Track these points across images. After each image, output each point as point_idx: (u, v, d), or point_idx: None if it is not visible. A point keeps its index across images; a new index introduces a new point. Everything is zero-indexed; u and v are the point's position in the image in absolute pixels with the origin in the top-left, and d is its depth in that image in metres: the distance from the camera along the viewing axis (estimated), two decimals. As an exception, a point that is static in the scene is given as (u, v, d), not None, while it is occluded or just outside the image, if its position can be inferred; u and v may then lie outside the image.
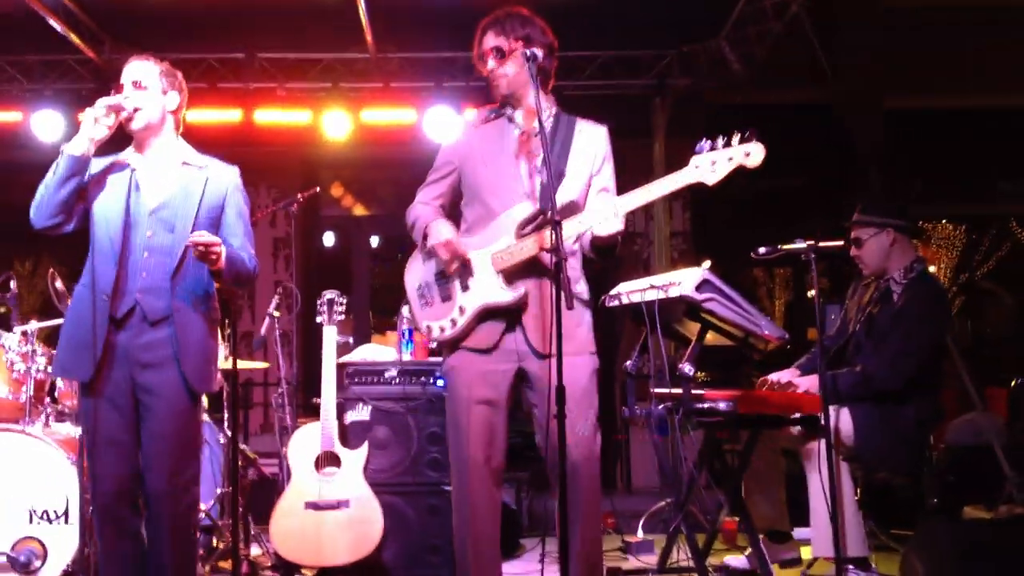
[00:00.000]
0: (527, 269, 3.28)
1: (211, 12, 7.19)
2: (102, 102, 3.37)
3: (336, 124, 7.80)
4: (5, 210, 7.93)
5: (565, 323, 3.04)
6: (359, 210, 9.56)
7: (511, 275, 3.29)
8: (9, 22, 6.88)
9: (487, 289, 3.30)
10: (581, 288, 3.41)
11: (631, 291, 4.22)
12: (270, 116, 7.93)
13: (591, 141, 3.44)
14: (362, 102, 7.85)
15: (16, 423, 4.40)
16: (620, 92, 7.84)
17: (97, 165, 3.46)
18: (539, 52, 3.31)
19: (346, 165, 8.93)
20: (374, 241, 10.09)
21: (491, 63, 3.40)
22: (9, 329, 4.75)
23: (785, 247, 4.13)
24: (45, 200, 3.36)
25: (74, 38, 7.12)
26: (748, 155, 3.02)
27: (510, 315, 3.31)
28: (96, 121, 3.35)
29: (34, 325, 4.68)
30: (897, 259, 4.35)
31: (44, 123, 7.53)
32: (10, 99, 7.79)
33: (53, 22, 6.83)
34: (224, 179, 3.54)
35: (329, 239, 9.96)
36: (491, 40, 3.41)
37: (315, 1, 7.12)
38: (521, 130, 3.42)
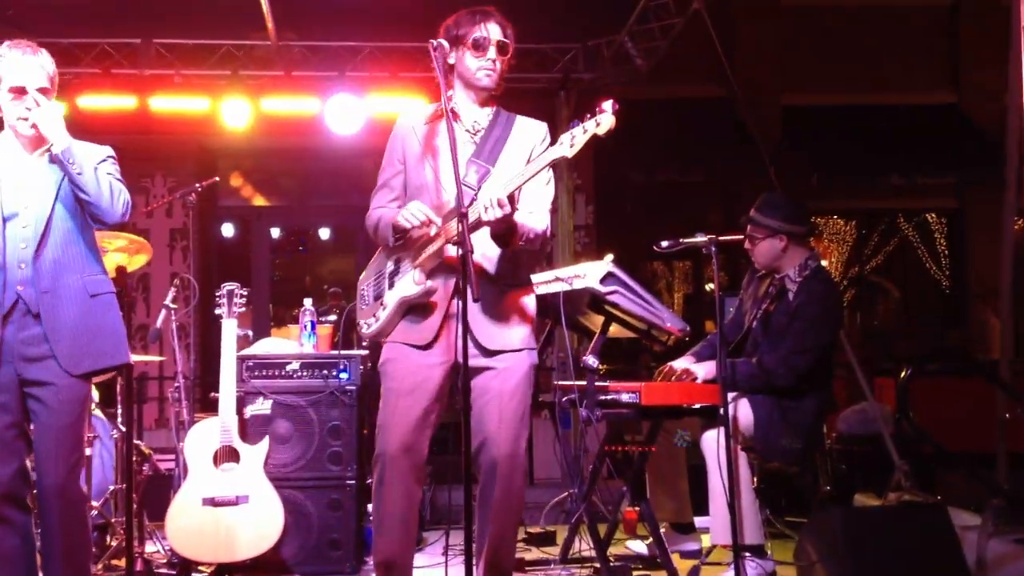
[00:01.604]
0: (442, 264, 3.31)
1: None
2: None
3: (236, 113, 7.62)
4: None
5: (509, 317, 3.24)
6: (259, 200, 9.37)
7: (428, 271, 3.32)
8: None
9: (405, 284, 3.34)
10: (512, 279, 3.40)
11: (536, 283, 4.23)
12: (167, 104, 7.70)
13: (528, 137, 3.46)
14: (263, 90, 7.70)
15: None
16: (525, 86, 7.86)
17: None
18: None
19: (246, 155, 8.76)
20: (275, 233, 9.91)
21: (491, 54, 3.37)
22: None
23: (686, 241, 4.19)
24: None
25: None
26: (599, 124, 3.06)
27: (446, 311, 3.31)
28: None
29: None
30: (790, 258, 4.43)
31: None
32: None
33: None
34: (92, 158, 3.41)
35: (228, 230, 9.73)
36: (497, 33, 3.39)
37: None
38: (467, 128, 3.43)
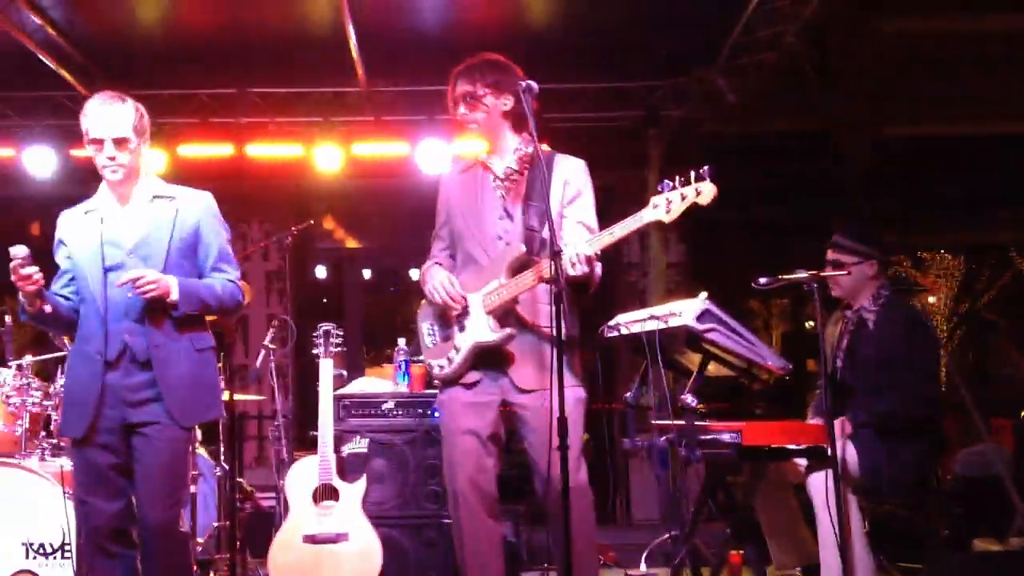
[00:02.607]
0: (511, 310, 3.47)
1: (202, 47, 7.28)
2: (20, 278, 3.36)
3: (328, 157, 7.90)
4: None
5: (543, 358, 3.32)
6: (351, 243, 9.63)
7: (499, 316, 3.47)
8: (4, 58, 6.95)
9: (478, 329, 3.49)
10: (548, 324, 3.50)
11: (630, 322, 4.28)
12: (262, 150, 8.06)
13: (566, 175, 3.58)
14: (353, 135, 7.97)
15: (12, 456, 4.42)
16: (613, 124, 7.94)
17: (65, 227, 3.56)
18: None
19: (338, 198, 9.01)
20: (366, 274, 10.15)
21: (462, 109, 3.57)
22: (3, 363, 4.80)
23: (787, 277, 4.16)
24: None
25: (65, 75, 7.20)
26: (699, 193, 3.19)
27: (496, 354, 3.48)
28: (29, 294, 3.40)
29: (28, 359, 4.73)
30: (869, 287, 4.39)
31: (36, 159, 7.63)
32: (2, 135, 7.88)
33: (44, 58, 6.91)
34: (196, 205, 3.60)
35: (321, 272, 10.02)
36: (461, 86, 3.57)
37: (306, 35, 7.22)
38: (496, 176, 3.58)
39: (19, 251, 3.31)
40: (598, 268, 3.45)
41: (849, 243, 4.42)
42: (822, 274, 4.04)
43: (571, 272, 3.27)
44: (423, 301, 3.72)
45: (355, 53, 7.03)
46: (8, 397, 4.65)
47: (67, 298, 3.54)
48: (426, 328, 3.70)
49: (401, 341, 5.19)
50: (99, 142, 3.48)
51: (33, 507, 4.23)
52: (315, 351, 4.78)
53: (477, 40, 7.20)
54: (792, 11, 6.52)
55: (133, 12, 6.91)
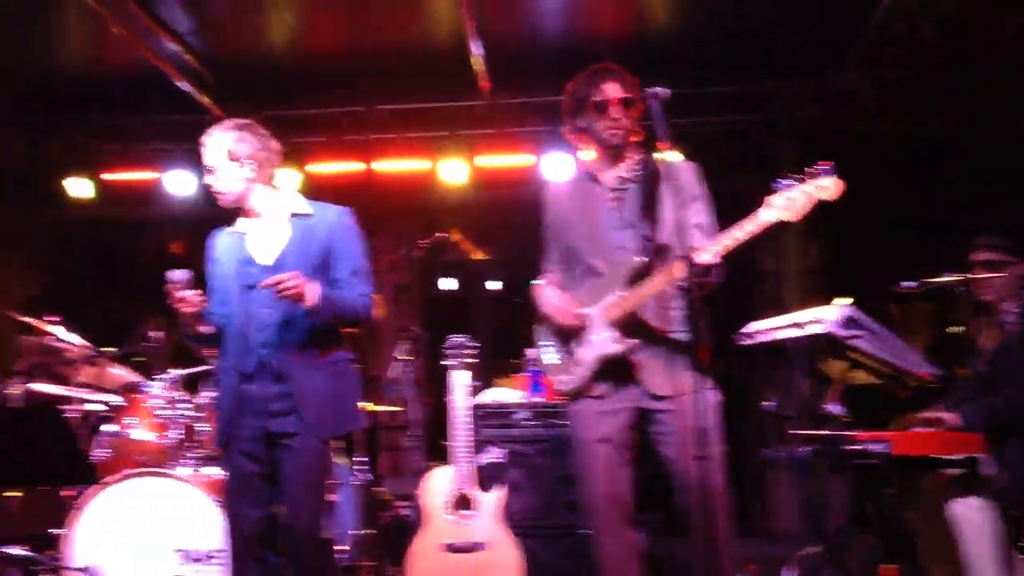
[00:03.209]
0: (637, 319, 3.45)
1: (331, 66, 7.48)
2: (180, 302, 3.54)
3: (453, 171, 8.02)
4: (141, 262, 8.39)
5: (676, 363, 3.32)
6: (478, 255, 9.74)
7: (622, 326, 3.46)
8: (145, 84, 7.28)
9: (601, 342, 3.49)
10: (680, 329, 3.51)
11: (767, 329, 4.22)
12: (389, 166, 8.24)
13: (680, 180, 3.54)
14: (479, 148, 8.06)
15: (162, 466, 4.62)
16: (741, 128, 7.84)
17: (212, 246, 3.73)
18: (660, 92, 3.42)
19: (465, 210, 9.12)
20: (494, 285, 10.24)
21: (614, 113, 3.52)
22: (151, 377, 5.04)
23: (934, 280, 4.05)
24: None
25: (202, 99, 7.50)
26: (821, 189, 3.08)
27: (623, 364, 3.47)
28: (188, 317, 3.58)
29: (175, 373, 4.95)
30: (1016, 291, 4.24)
31: (177, 181, 7.99)
32: (146, 158, 8.24)
33: (182, 83, 7.21)
34: (330, 220, 3.70)
35: (449, 284, 10.15)
36: (616, 90, 3.52)
37: (430, 50, 7.34)
38: (610, 186, 3.58)
39: (177, 275, 3.47)
40: (719, 272, 3.40)
41: (1005, 242, 4.27)
42: (975, 276, 3.92)
43: (696, 276, 3.24)
44: (541, 319, 3.73)
45: (479, 66, 7.12)
46: (158, 409, 4.88)
47: (220, 315, 3.69)
48: (547, 345, 3.71)
49: (532, 352, 5.22)
50: (207, 170, 3.69)
51: (184, 515, 4.40)
52: (447, 362, 4.84)
53: (600, 46, 7.27)
54: (927, 4, 6.34)
55: (264, 36, 7.16)
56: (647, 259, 3.42)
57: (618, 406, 3.49)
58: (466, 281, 9.88)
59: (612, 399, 3.49)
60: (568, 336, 3.58)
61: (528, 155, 7.98)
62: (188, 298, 3.48)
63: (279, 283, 3.43)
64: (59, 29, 6.85)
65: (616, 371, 3.48)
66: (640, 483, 3.55)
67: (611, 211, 3.55)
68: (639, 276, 3.42)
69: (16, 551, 4.30)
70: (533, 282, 3.75)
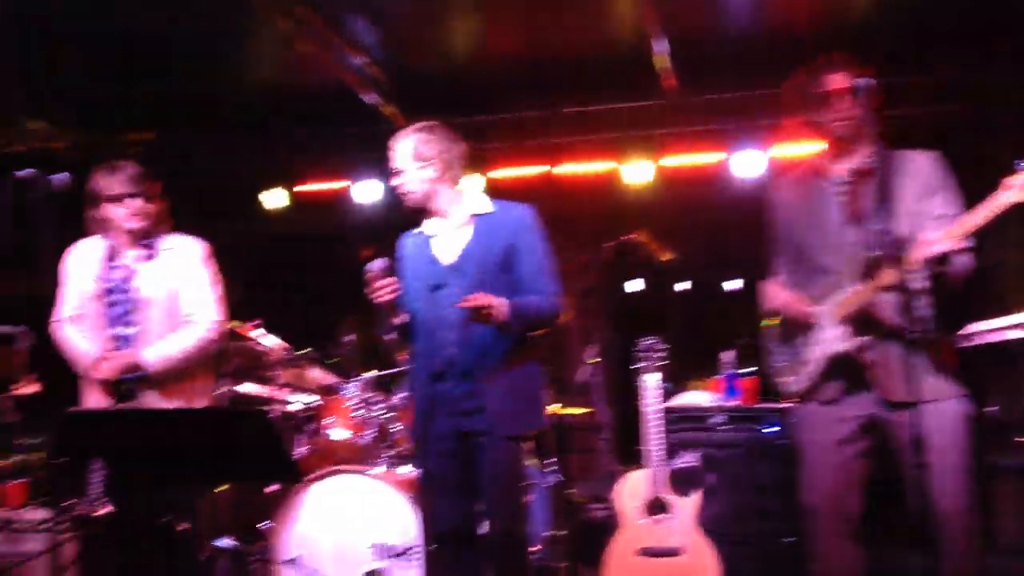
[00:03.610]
0: (872, 317, 3.33)
1: (511, 70, 7.58)
2: (379, 288, 3.63)
3: (639, 171, 8.01)
4: (333, 270, 8.74)
5: (915, 367, 3.12)
6: (666, 256, 9.66)
7: (854, 324, 3.34)
8: (334, 98, 7.59)
9: (829, 340, 3.39)
10: (920, 327, 3.32)
11: (990, 330, 4.03)
12: (573, 168, 8.29)
13: (917, 171, 3.38)
14: (664, 147, 8.01)
15: (359, 464, 4.79)
16: (950, 119, 7.46)
17: (401, 249, 3.83)
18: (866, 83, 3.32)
19: (651, 211, 9.08)
20: (683, 286, 10.13)
21: (841, 104, 3.42)
22: (347, 378, 5.24)
23: None
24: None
25: (387, 109, 7.75)
26: None
27: (855, 365, 3.33)
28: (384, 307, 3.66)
29: (371, 374, 5.13)
30: None
31: (364, 190, 8.35)
32: (335, 169, 8.62)
33: (367, 97, 7.47)
34: (513, 219, 3.74)
35: (636, 286, 10.11)
36: (842, 80, 3.43)
37: (612, 49, 7.32)
38: (840, 179, 3.46)
39: (375, 265, 3.60)
40: (964, 262, 3.24)
41: None
42: None
43: (934, 267, 3.11)
44: (768, 319, 3.67)
45: (664, 63, 7.07)
46: (354, 410, 5.07)
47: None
48: (774, 346, 3.64)
49: (726, 354, 5.14)
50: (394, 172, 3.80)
51: (380, 512, 4.55)
52: (638, 365, 4.82)
53: (791, 38, 7.08)
54: None
55: (446, 44, 7.32)
56: (881, 253, 3.28)
57: (849, 412, 3.38)
58: (654, 283, 9.83)
59: (843, 404, 3.39)
60: (796, 334, 3.50)
61: (716, 153, 7.87)
62: (385, 286, 3.58)
63: (476, 305, 3.51)
64: (255, 51, 7.22)
65: (847, 373, 3.37)
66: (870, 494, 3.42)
67: (841, 205, 3.45)
68: (872, 271, 3.31)
69: (227, 543, 4.55)
70: (760, 282, 3.70)
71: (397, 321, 3.69)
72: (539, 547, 4.88)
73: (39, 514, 4.55)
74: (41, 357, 4.35)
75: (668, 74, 7.26)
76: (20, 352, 4.92)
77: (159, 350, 3.88)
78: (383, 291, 3.59)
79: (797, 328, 3.49)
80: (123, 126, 8.22)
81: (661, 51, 6.88)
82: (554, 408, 5.34)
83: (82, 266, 4.01)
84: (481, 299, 3.50)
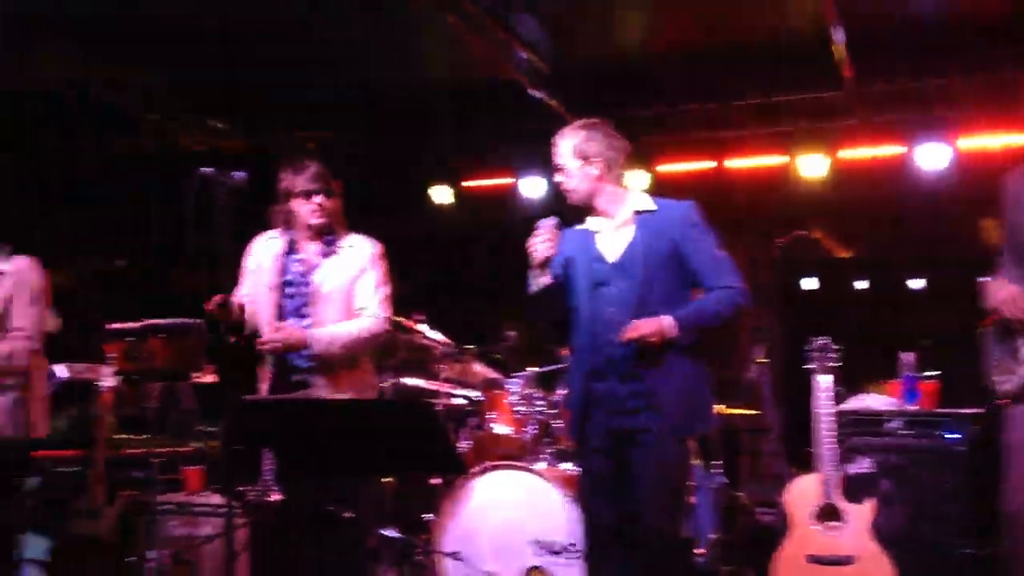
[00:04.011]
0: None
1: (681, 63, 7.50)
2: (538, 241, 3.64)
3: (813, 165, 7.81)
4: (498, 266, 8.88)
5: None
6: (842, 253, 9.41)
7: None
8: (500, 94, 7.69)
9: None
10: None
11: None
12: (743, 163, 8.17)
13: None
14: (841, 140, 7.79)
15: (520, 461, 4.84)
16: None
17: (564, 243, 3.76)
18: None
19: (826, 206, 8.83)
20: (860, 285, 9.83)
21: None
22: (509, 374, 5.30)
23: None
24: (547, 326, 3.86)
25: (553, 105, 7.80)
26: None
27: None
28: (538, 262, 3.66)
29: (532, 370, 5.18)
30: None
31: (531, 186, 8.48)
32: (501, 165, 8.78)
33: (533, 92, 7.53)
34: (676, 216, 3.69)
35: (811, 283, 9.86)
36: None
37: (786, 39, 7.16)
38: None
39: (548, 221, 3.66)
40: None
41: None
42: None
43: None
44: (987, 315, 3.52)
45: (841, 53, 6.86)
46: (515, 405, 5.13)
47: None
48: (992, 344, 3.47)
49: (906, 356, 4.95)
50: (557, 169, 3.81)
51: (541, 508, 4.58)
52: (809, 366, 4.69)
53: (977, 23, 6.76)
54: None
55: (613, 38, 7.31)
56: None
57: None
58: (829, 280, 9.56)
59: None
60: (1012, 333, 3.35)
61: (896, 146, 7.58)
62: (546, 240, 3.61)
63: (634, 336, 3.49)
64: (424, 49, 7.39)
65: None
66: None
67: None
68: None
69: (392, 534, 4.68)
70: (981, 279, 3.55)
71: (543, 280, 3.69)
72: (703, 550, 4.82)
73: (215, 499, 4.77)
74: (219, 349, 4.57)
75: (845, 64, 7.03)
76: (199, 344, 5.17)
77: (327, 331, 4.01)
78: (543, 245, 3.61)
79: (1014, 327, 3.33)
80: (299, 125, 8.58)
81: (838, 39, 6.66)
82: (720, 408, 5.25)
83: (262, 257, 4.20)
84: (642, 328, 3.49)
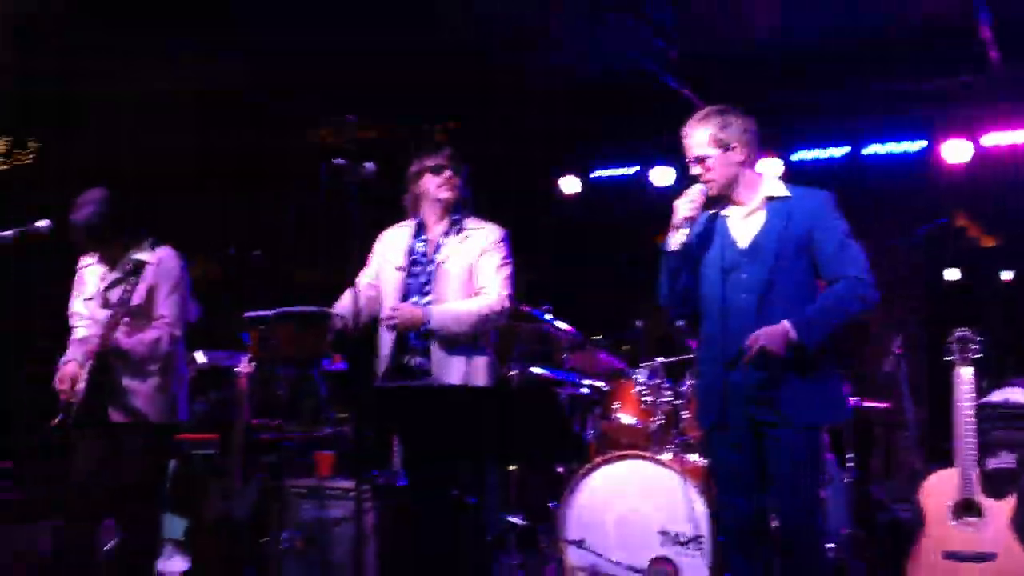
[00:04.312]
0: None
1: (816, 47, 7.35)
2: (682, 202, 3.64)
3: (956, 151, 7.59)
4: (625, 255, 8.86)
5: None
6: (987, 242, 9.08)
7: None
8: (632, 82, 7.67)
9: None
10: None
11: None
12: (881, 149, 7.96)
13: None
14: (984, 124, 7.54)
15: (647, 451, 4.83)
16: None
17: (695, 230, 3.74)
18: None
19: (970, 194, 8.53)
20: (1006, 275, 9.46)
21: None
22: (636, 364, 5.30)
23: None
24: (667, 295, 3.78)
25: (686, 93, 7.73)
26: None
27: None
28: (680, 221, 3.65)
29: (660, 360, 5.16)
30: None
31: (660, 176, 8.48)
32: (631, 155, 8.76)
33: (666, 80, 7.49)
34: (810, 205, 3.63)
35: (954, 274, 9.55)
36: None
37: (927, 21, 6.94)
38: None
39: (697, 187, 3.68)
40: None
41: None
42: None
43: None
44: None
45: (985, 33, 6.61)
46: (642, 395, 5.12)
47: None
48: None
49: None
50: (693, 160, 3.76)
51: (667, 498, 4.56)
52: (950, 358, 4.55)
53: None
54: None
55: (747, 24, 7.20)
56: None
57: None
58: (973, 270, 9.23)
59: None
60: None
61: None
62: (692, 203, 3.62)
63: (755, 350, 3.47)
64: (558, 34, 7.42)
65: None
66: None
67: None
68: None
69: (517, 520, 4.73)
70: None
71: (680, 239, 3.67)
72: (835, 545, 4.73)
73: (345, 484, 4.88)
74: (349, 338, 4.70)
75: (991, 45, 6.77)
76: (331, 332, 5.32)
77: (445, 308, 4.11)
78: (687, 205, 3.63)
79: None
80: (429, 116, 8.72)
81: (982, 21, 6.42)
82: (855, 401, 5.13)
83: (391, 242, 4.37)
84: (763, 340, 3.46)
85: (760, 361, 3.49)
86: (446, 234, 4.27)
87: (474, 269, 4.21)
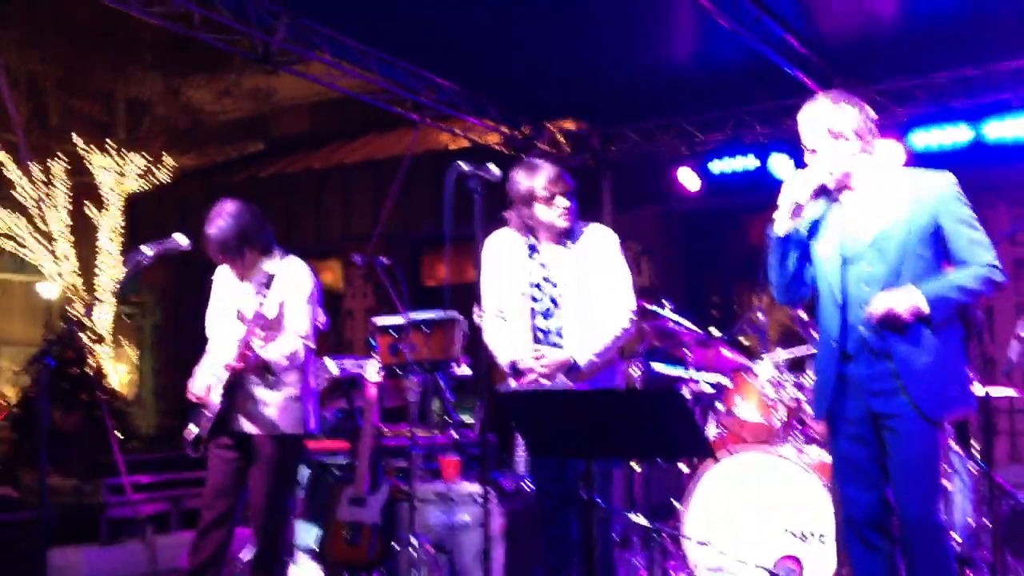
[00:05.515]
0: None
1: (941, 29, 7.15)
2: (791, 186, 3.60)
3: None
4: (744, 249, 8.82)
5: None
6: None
7: None
8: (748, 71, 7.61)
9: None
10: None
11: None
12: (1007, 130, 7.74)
13: None
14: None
15: (770, 445, 4.86)
16: None
17: (814, 214, 3.72)
18: None
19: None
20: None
21: None
22: (757, 359, 5.31)
23: None
24: (775, 281, 3.76)
25: (806, 80, 7.61)
26: None
27: None
28: (788, 206, 3.60)
29: (781, 354, 5.16)
30: None
31: (780, 165, 8.36)
32: (750, 146, 8.68)
33: (786, 68, 7.39)
34: (932, 190, 3.57)
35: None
36: None
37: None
38: None
39: (806, 173, 3.62)
40: None
41: None
42: None
43: None
44: None
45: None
46: (764, 390, 5.14)
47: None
48: None
49: None
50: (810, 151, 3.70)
51: (791, 494, 4.59)
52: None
53: None
54: None
55: (867, 8, 7.05)
56: None
57: None
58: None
59: None
60: None
61: None
62: (803, 188, 3.59)
63: (882, 310, 3.46)
64: (667, 26, 7.41)
65: None
66: None
67: None
68: None
69: (639, 519, 4.77)
70: None
71: (788, 224, 3.64)
72: (960, 537, 4.68)
73: (472, 488, 4.96)
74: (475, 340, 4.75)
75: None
76: (459, 336, 5.39)
77: (589, 351, 4.13)
78: (798, 189, 3.59)
79: None
80: (549, 118, 8.81)
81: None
82: (979, 389, 5.03)
83: (504, 260, 4.34)
84: (891, 301, 3.45)
85: (885, 323, 3.48)
86: (562, 251, 4.27)
87: (593, 282, 4.23)
